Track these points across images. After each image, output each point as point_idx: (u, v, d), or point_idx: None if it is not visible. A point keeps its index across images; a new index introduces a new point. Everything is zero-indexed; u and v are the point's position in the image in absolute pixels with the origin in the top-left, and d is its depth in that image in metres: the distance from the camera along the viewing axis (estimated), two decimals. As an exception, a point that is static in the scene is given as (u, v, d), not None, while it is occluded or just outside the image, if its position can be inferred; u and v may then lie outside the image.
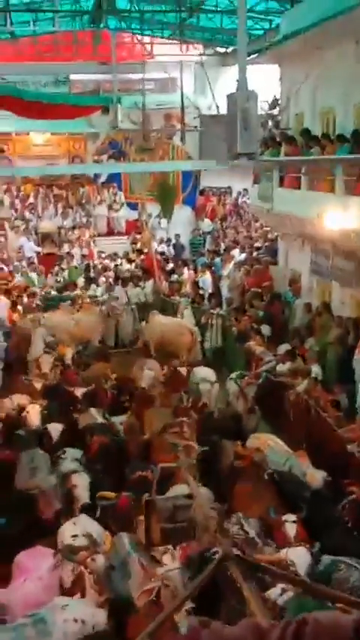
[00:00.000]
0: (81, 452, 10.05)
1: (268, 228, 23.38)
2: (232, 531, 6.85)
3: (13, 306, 17.62)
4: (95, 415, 11.51)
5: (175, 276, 21.57)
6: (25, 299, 19.03)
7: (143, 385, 13.35)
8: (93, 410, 11.75)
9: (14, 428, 11.18)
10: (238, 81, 11.22)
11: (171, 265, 23.16)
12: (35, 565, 7.39)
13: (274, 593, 5.64)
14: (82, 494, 8.79)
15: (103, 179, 28.82)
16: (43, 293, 20.31)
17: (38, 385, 13.61)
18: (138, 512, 7.88)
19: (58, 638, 6.13)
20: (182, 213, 29.48)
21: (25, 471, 9.37)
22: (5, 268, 22.77)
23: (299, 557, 6.45)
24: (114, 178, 28.49)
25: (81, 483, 8.89)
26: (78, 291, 19.72)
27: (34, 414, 11.72)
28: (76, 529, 7.84)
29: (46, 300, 19.17)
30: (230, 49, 26.99)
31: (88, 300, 18.84)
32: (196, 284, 20.37)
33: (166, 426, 10.69)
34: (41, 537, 8.16)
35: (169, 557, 6.74)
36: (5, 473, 9.50)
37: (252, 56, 20.06)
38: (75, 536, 7.47)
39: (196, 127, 27.93)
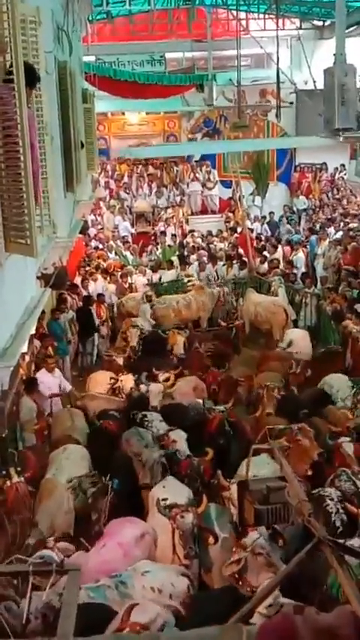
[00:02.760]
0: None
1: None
2: (344, 487, 7.45)
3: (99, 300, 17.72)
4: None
5: (265, 253, 21.26)
6: (120, 279, 19.22)
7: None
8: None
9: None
10: (335, 54, 10.97)
11: (262, 243, 22.82)
12: (119, 531, 7.45)
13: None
14: (183, 446, 9.23)
15: (196, 157, 28.76)
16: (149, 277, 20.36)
17: (120, 360, 14.04)
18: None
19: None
20: (277, 191, 29.13)
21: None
22: (101, 246, 23.09)
23: None
24: (208, 156, 28.38)
25: (179, 437, 9.40)
26: (183, 274, 19.78)
27: (129, 381, 12.25)
28: (166, 492, 8.03)
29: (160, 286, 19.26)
30: (328, 22, 26.39)
31: (196, 282, 18.73)
32: (290, 262, 20.12)
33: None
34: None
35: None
36: (109, 440, 9.99)
37: (350, 28, 19.56)
38: (165, 499, 7.59)
39: (292, 102, 27.47)
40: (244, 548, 6.41)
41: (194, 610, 6.27)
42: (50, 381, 12.39)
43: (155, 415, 10.39)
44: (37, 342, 12.96)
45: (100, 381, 12.90)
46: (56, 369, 12.88)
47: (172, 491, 8.10)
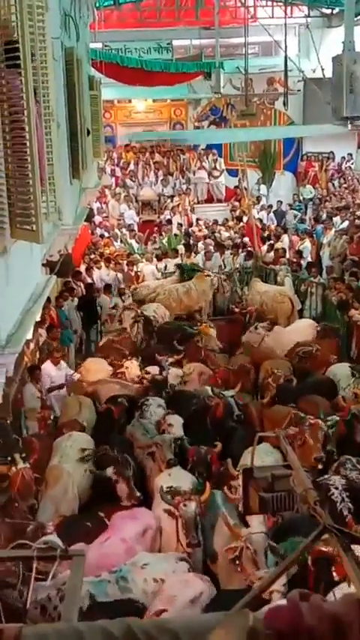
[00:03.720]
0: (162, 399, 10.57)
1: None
2: (350, 476, 7.41)
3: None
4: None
5: (270, 242, 21.17)
6: (125, 267, 19.16)
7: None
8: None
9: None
10: (344, 42, 10.90)
11: (268, 232, 22.72)
12: (123, 526, 7.46)
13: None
14: (178, 431, 9.33)
15: (203, 145, 28.66)
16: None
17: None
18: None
19: (138, 595, 6.33)
20: (283, 180, 29.02)
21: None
22: (106, 234, 23.06)
23: None
24: (214, 144, 28.29)
25: (175, 422, 9.50)
26: (188, 262, 19.72)
27: (133, 368, 12.21)
28: (170, 480, 8.06)
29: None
30: (336, 10, 26.21)
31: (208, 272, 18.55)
32: (298, 252, 20.04)
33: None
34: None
35: (257, 520, 6.77)
36: (111, 424, 10.12)
37: (359, 16, 19.36)
38: (170, 487, 7.62)
39: (299, 90, 27.32)
40: (240, 538, 6.52)
41: (211, 606, 6.27)
42: (54, 373, 12.30)
43: (158, 400, 10.42)
44: (41, 331, 12.92)
45: (93, 370, 12.77)
46: (62, 362, 12.76)
47: (177, 479, 8.12)
